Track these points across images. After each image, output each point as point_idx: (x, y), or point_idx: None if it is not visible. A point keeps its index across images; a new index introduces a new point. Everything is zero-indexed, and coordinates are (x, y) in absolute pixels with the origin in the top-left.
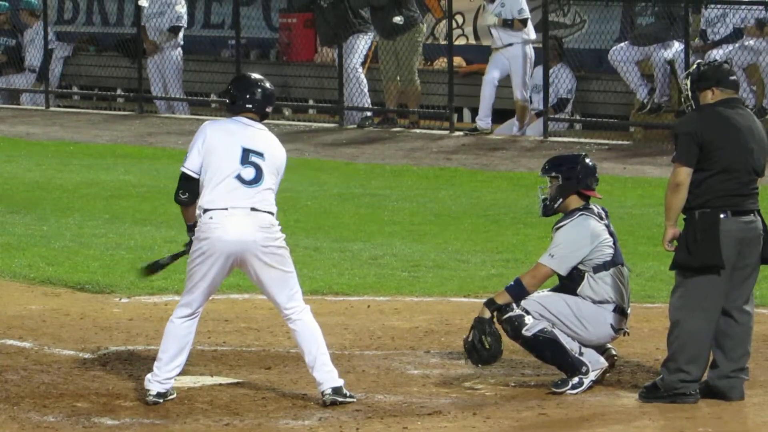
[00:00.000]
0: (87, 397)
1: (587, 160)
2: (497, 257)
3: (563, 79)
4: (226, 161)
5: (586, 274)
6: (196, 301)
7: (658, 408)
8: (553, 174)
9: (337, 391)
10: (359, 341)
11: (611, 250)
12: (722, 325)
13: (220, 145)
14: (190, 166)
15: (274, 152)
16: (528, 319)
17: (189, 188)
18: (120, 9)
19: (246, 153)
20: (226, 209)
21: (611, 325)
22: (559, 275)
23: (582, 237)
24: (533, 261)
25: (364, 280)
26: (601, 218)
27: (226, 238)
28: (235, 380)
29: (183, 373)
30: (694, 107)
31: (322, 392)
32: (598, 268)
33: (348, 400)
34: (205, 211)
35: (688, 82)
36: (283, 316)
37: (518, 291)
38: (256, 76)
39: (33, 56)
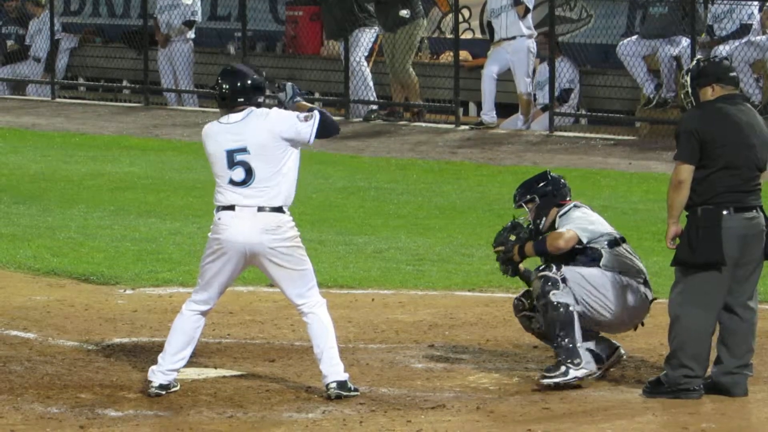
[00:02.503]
0: (91, 388)
1: (553, 174)
2: None
3: (564, 71)
4: (218, 168)
5: (602, 250)
6: (212, 299)
7: (661, 403)
8: (528, 198)
9: (341, 385)
10: (363, 334)
11: (615, 231)
12: (726, 321)
13: (211, 154)
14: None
15: (258, 132)
16: (562, 286)
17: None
18: (126, 0)
19: (230, 155)
20: (233, 209)
21: (645, 294)
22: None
23: (585, 214)
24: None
25: (368, 273)
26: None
27: (234, 239)
28: (239, 373)
29: (187, 365)
30: (694, 104)
31: (327, 385)
32: (611, 243)
33: (352, 394)
34: (216, 209)
35: (688, 79)
36: (296, 309)
37: (541, 248)
38: (243, 67)
39: (39, 46)
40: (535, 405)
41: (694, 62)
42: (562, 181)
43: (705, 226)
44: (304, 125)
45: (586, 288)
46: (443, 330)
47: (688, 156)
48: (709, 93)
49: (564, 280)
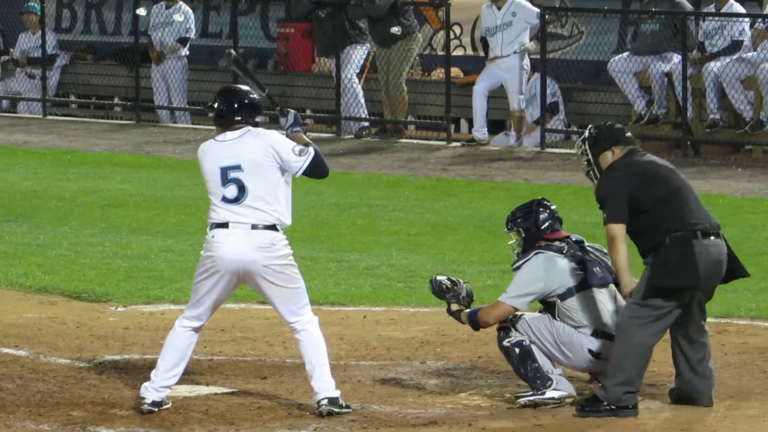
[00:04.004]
0: (83, 406)
1: (543, 205)
2: (494, 268)
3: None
4: (212, 185)
5: (556, 302)
6: (204, 315)
7: (654, 420)
8: (515, 229)
9: (333, 401)
10: (355, 351)
11: (577, 276)
12: (685, 347)
13: (206, 171)
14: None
15: (253, 151)
16: (513, 332)
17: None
18: (118, 18)
19: (224, 172)
20: (227, 227)
21: (589, 350)
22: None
23: (534, 273)
24: None
25: (360, 290)
26: (561, 252)
27: (227, 257)
28: (231, 390)
29: (179, 382)
30: (596, 172)
31: (318, 402)
32: (564, 296)
33: (344, 411)
34: (210, 227)
35: (587, 147)
36: (289, 327)
37: (472, 321)
38: (242, 87)
39: (33, 62)
40: (527, 421)
41: (587, 131)
42: (549, 212)
43: (679, 252)
44: (296, 158)
45: (531, 335)
46: (435, 347)
47: (617, 215)
48: (610, 157)
49: (514, 327)
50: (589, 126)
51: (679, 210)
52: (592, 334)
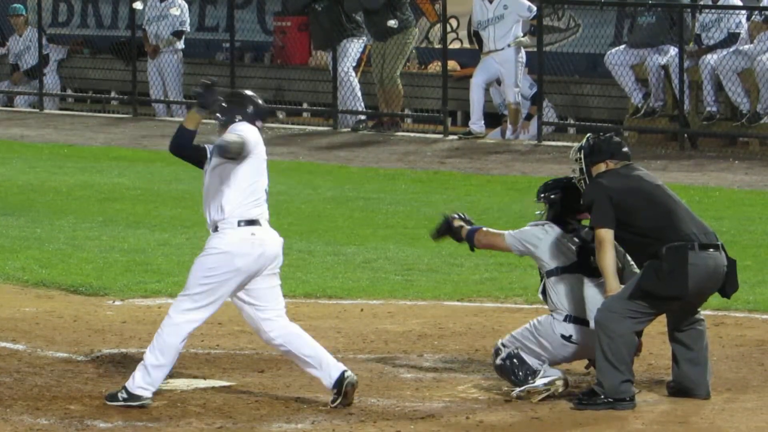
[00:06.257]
0: (80, 399)
1: (572, 186)
2: (491, 261)
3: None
4: (265, 179)
5: (543, 277)
6: (210, 311)
7: (651, 413)
8: (542, 198)
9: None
10: (352, 345)
11: (568, 259)
12: (682, 341)
13: (260, 159)
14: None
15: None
16: (502, 350)
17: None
18: (114, 12)
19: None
20: (260, 224)
21: (561, 334)
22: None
23: (537, 233)
24: (526, 265)
25: (357, 283)
26: (568, 230)
27: (269, 254)
28: (228, 383)
29: (176, 376)
30: (587, 181)
31: (343, 372)
32: (549, 273)
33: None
34: (243, 223)
35: (581, 156)
36: (270, 325)
37: (469, 237)
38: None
39: (28, 63)
40: (524, 415)
41: (585, 140)
42: (576, 192)
43: (671, 262)
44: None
45: (516, 342)
46: (432, 340)
47: (605, 220)
48: (603, 169)
49: (504, 345)
50: (588, 134)
51: (672, 221)
52: (564, 319)
